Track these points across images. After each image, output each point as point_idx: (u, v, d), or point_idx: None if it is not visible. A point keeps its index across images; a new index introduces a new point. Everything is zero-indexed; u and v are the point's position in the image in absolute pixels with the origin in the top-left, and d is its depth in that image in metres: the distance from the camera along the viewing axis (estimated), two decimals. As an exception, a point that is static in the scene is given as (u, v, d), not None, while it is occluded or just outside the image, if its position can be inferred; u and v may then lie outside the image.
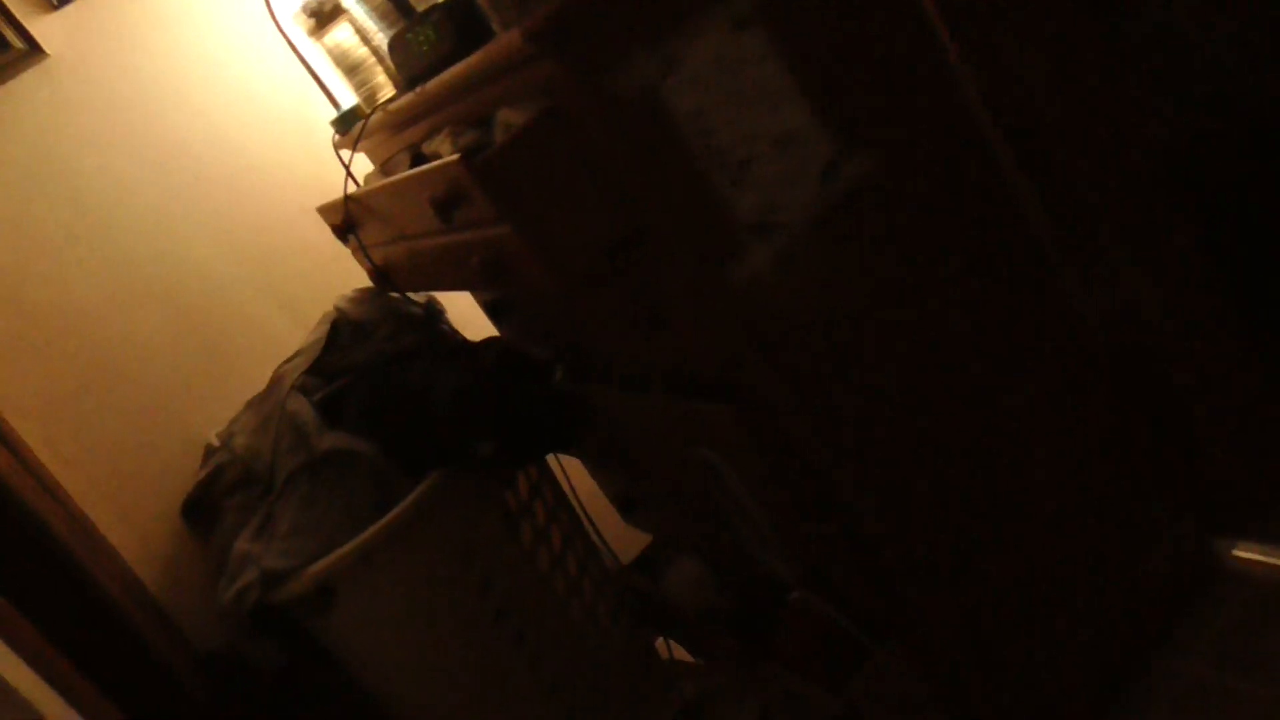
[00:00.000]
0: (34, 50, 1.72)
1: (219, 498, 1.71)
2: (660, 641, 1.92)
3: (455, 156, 1.10)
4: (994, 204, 1.27)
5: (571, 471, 1.82)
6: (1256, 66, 1.52)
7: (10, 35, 1.71)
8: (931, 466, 1.25)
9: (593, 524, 1.77)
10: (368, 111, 1.55)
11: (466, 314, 1.87)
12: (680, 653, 1.93)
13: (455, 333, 1.76)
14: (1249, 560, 1.42)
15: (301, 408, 1.59)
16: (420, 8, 1.45)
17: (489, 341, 1.67)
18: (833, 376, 1.19)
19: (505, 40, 1.11)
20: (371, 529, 1.50)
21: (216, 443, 1.78)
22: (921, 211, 1.22)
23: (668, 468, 1.51)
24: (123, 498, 1.79)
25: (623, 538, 1.95)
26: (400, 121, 1.49)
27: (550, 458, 1.82)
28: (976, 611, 1.30)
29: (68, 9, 1.75)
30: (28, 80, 1.73)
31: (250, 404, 1.76)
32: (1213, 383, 1.39)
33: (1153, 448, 1.40)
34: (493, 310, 1.78)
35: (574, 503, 1.78)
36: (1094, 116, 1.30)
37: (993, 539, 1.30)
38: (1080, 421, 1.34)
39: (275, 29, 1.68)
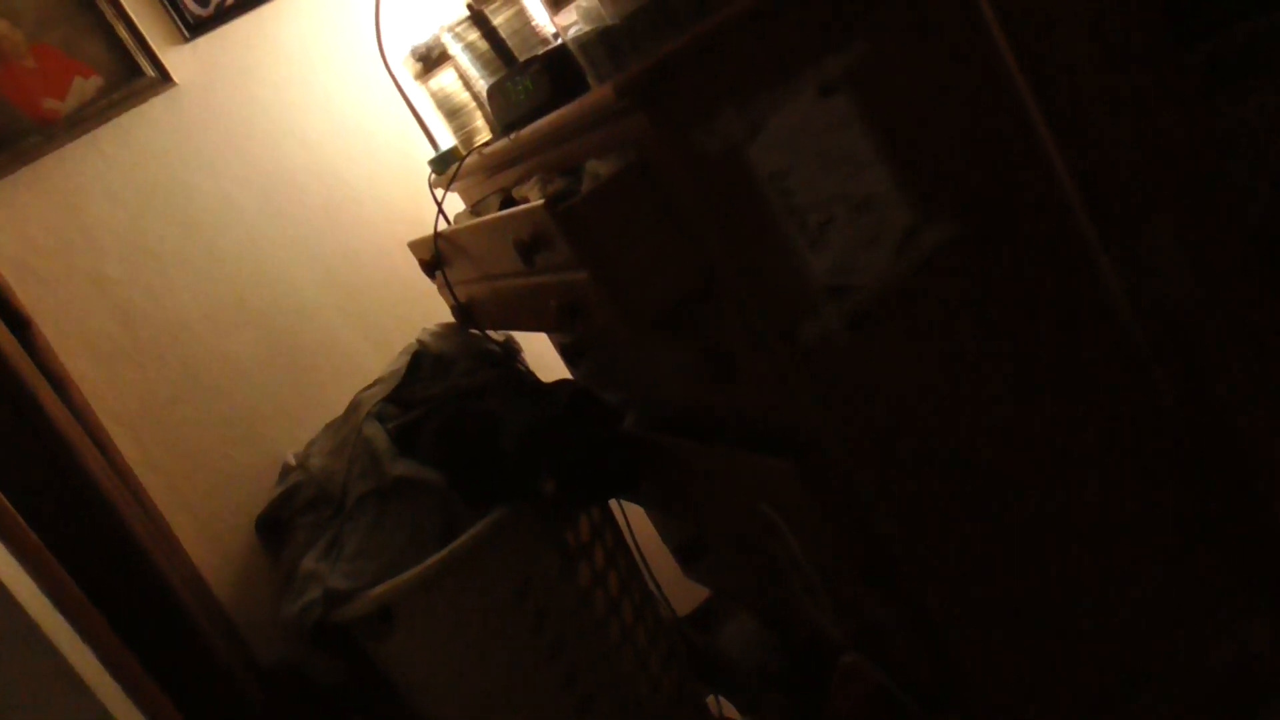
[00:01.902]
0: (164, 79, 1.83)
1: (292, 516, 1.76)
2: (710, 699, 1.91)
3: (540, 202, 1.14)
4: (1078, 282, 1.26)
5: (634, 519, 1.83)
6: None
7: (144, 64, 1.82)
8: (999, 542, 1.23)
9: (651, 572, 1.78)
10: (464, 154, 1.61)
11: (544, 356, 1.91)
12: (730, 711, 1.91)
13: (530, 373, 1.80)
14: (1327, 669, 1.36)
15: (376, 434, 1.64)
16: (522, 59, 1.51)
17: (561, 383, 1.70)
18: (898, 443, 1.19)
19: (598, 94, 1.15)
20: (434, 557, 1.53)
21: (294, 462, 1.83)
22: (1001, 284, 1.22)
23: (729, 521, 1.51)
24: (202, 508, 1.86)
25: (681, 589, 1.95)
26: (494, 165, 1.54)
27: (613, 503, 1.83)
28: (1036, 694, 1.27)
29: (198, 41, 1.86)
30: (157, 106, 1.84)
31: (328, 427, 1.82)
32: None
33: (1232, 542, 1.35)
34: (568, 354, 1.82)
35: (634, 549, 1.79)
36: (1186, 195, 1.29)
37: (1059, 621, 1.27)
38: (1157, 507, 1.31)
39: (385, 70, 1.76)
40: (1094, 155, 1.25)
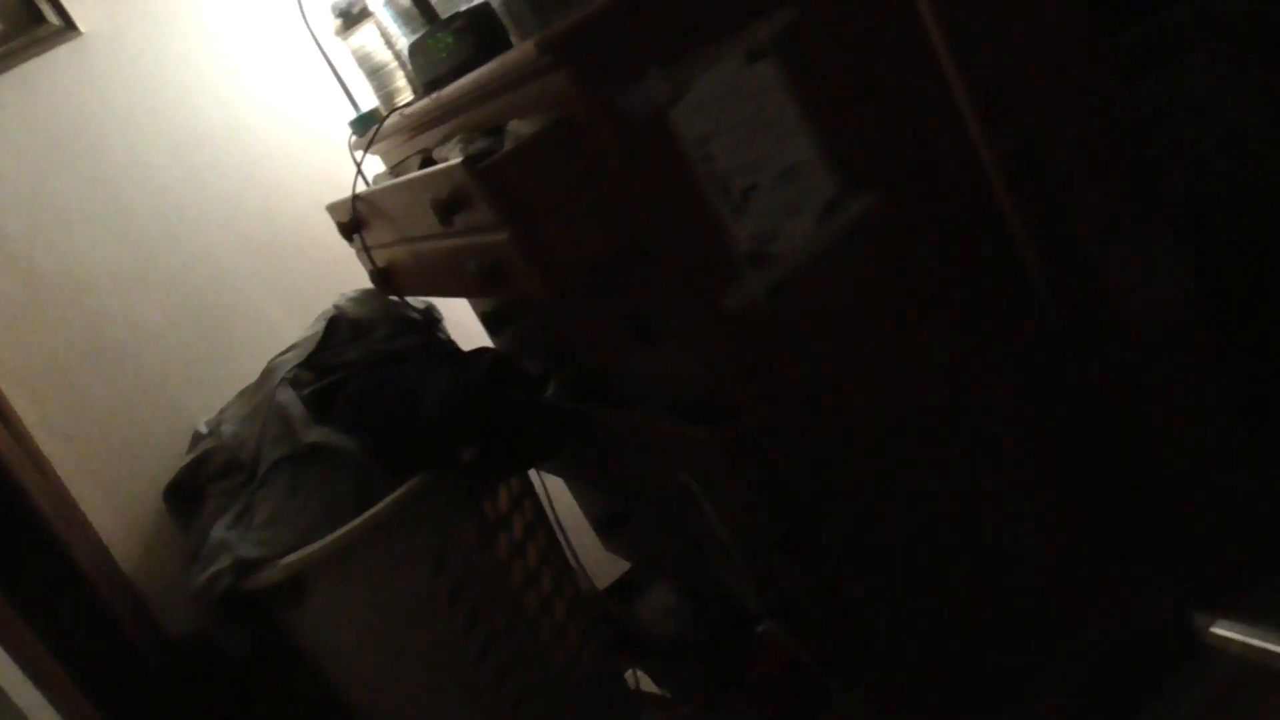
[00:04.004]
0: (69, 27, 1.76)
1: (203, 483, 1.72)
2: (629, 674, 1.91)
3: (459, 160, 1.11)
4: (999, 256, 1.28)
5: (554, 491, 1.81)
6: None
7: (47, 11, 1.74)
8: (912, 510, 1.25)
9: (570, 544, 1.77)
10: (385, 114, 1.57)
11: (465, 325, 1.88)
12: (649, 685, 1.91)
13: (451, 341, 1.77)
14: (1227, 639, 1.40)
15: (290, 400, 1.60)
16: (445, 15, 1.47)
17: (482, 350, 1.68)
18: (817, 413, 1.19)
19: (520, 50, 1.13)
20: (348, 526, 1.50)
21: (205, 429, 1.78)
22: (923, 257, 1.23)
23: (649, 491, 1.51)
24: (107, 474, 1.80)
25: (600, 562, 1.94)
26: (415, 126, 1.51)
27: (533, 475, 1.82)
28: (947, 663, 1.29)
29: (106, -11, 1.78)
30: (60, 55, 1.76)
31: (242, 393, 1.77)
32: (1205, 457, 1.39)
33: (1138, 515, 1.39)
34: (490, 322, 1.79)
35: (553, 521, 1.78)
36: (1105, 175, 1.31)
37: (969, 589, 1.29)
38: (1066, 481, 1.34)
39: (304, 25, 1.71)
40: (1016, 132, 1.26)
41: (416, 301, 1.76)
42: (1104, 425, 1.35)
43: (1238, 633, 1.40)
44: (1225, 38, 1.58)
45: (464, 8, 1.33)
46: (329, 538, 1.50)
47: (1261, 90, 1.60)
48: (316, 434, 1.56)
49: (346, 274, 1.87)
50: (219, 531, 1.60)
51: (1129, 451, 1.37)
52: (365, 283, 1.78)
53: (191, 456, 1.75)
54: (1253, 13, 1.63)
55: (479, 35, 1.27)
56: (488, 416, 1.47)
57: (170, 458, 1.80)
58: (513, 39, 1.23)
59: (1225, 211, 1.58)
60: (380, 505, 1.51)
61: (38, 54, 1.74)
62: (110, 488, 1.79)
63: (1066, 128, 1.28)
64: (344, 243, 1.71)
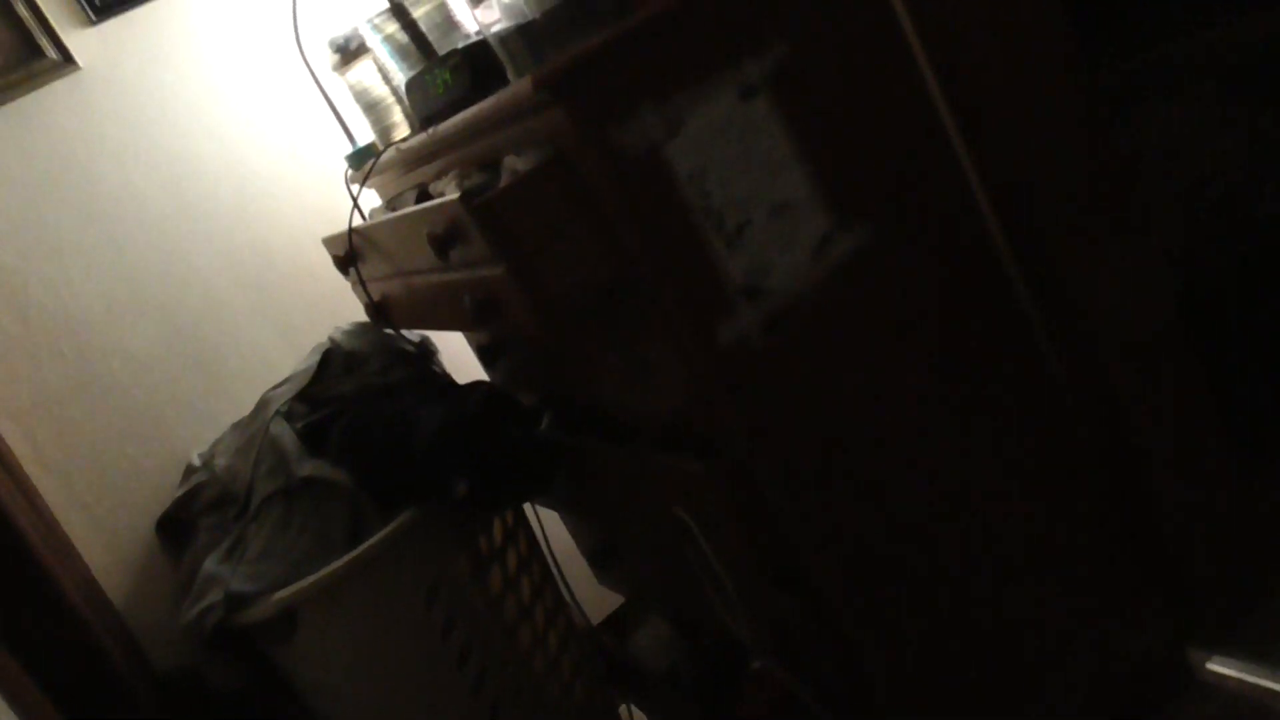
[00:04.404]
0: (67, 61, 1.77)
1: (194, 517, 1.71)
2: (623, 708, 1.89)
3: (456, 195, 1.12)
4: (991, 291, 1.28)
5: (548, 524, 1.81)
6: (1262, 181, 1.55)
7: (46, 46, 1.75)
8: (906, 545, 1.24)
9: (564, 578, 1.76)
10: (381, 148, 1.58)
11: (460, 357, 1.88)
12: (641, 719, 1.90)
13: (445, 373, 1.77)
14: (1223, 675, 1.40)
15: (284, 433, 1.60)
16: (442, 52, 1.48)
17: (477, 384, 1.68)
18: (811, 447, 1.19)
19: (517, 87, 1.14)
20: (340, 560, 1.49)
21: (198, 462, 1.78)
22: (916, 291, 1.24)
23: (643, 524, 1.50)
24: (98, 507, 1.79)
25: (594, 596, 1.93)
26: (411, 161, 1.52)
27: (527, 508, 1.81)
28: (941, 698, 1.28)
29: (105, 24, 1.79)
30: (58, 89, 1.77)
31: (235, 426, 1.77)
32: (1200, 488, 1.39)
33: (1133, 547, 1.39)
34: (485, 355, 1.79)
35: (547, 554, 1.77)
36: (1096, 210, 1.32)
37: (963, 624, 1.29)
38: (1062, 512, 1.34)
39: (301, 60, 1.72)
40: (1007, 168, 1.27)
41: (411, 334, 1.76)
42: (1097, 458, 1.35)
43: (1234, 669, 1.39)
44: (1211, 78, 1.60)
45: (460, 45, 1.34)
46: (321, 572, 1.49)
47: (1247, 129, 1.62)
48: (310, 467, 1.56)
49: (341, 306, 1.87)
50: (210, 565, 1.59)
51: (1123, 484, 1.37)
52: (360, 315, 1.78)
53: (183, 489, 1.74)
54: (1239, 53, 1.65)
55: (475, 72, 1.28)
56: (481, 450, 1.47)
57: (162, 490, 1.80)
58: (509, 75, 1.24)
59: (1213, 246, 1.59)
60: (373, 539, 1.50)
61: (35, 88, 1.75)
62: (101, 521, 1.78)
63: (1057, 162, 1.30)
64: (339, 275, 1.72)
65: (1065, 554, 1.34)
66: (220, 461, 1.72)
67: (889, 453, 1.23)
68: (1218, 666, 1.41)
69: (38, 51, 1.74)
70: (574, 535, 1.89)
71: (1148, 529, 1.38)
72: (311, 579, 1.49)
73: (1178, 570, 1.40)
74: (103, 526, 1.79)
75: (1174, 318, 1.35)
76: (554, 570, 1.77)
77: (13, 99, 1.74)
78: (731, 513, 1.21)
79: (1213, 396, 1.38)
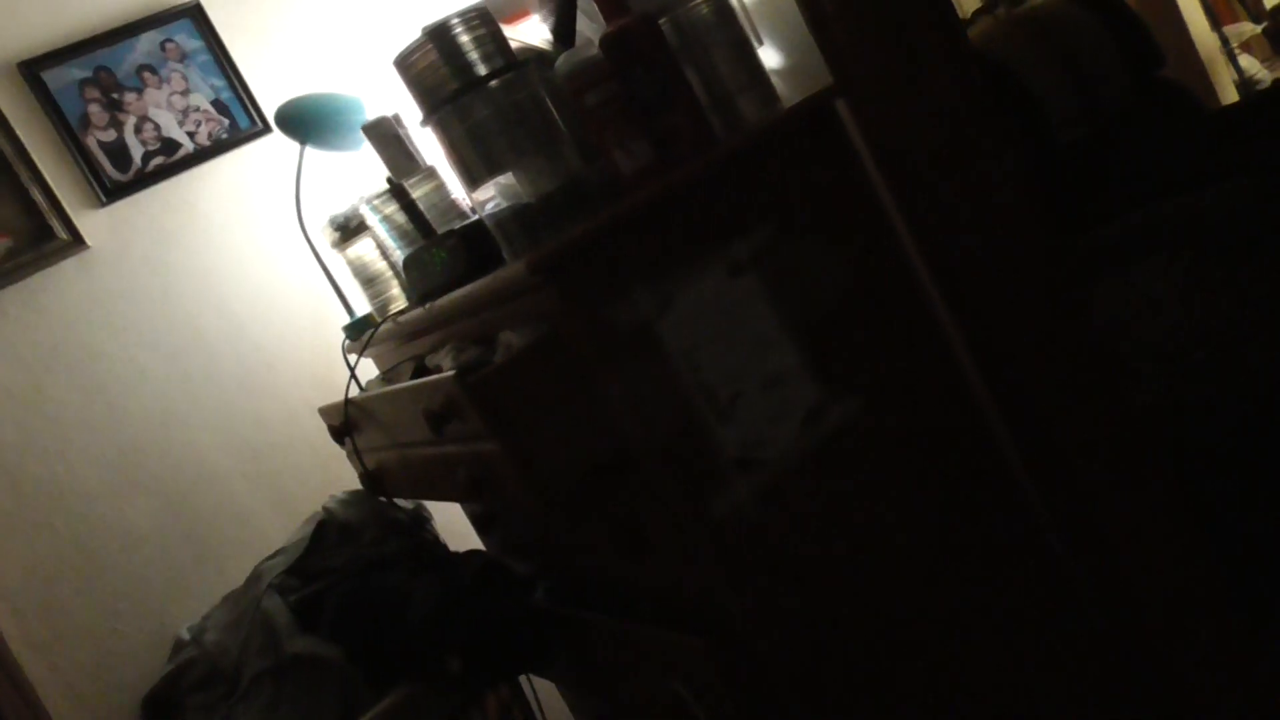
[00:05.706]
0: (77, 242, 1.81)
1: (182, 695, 1.66)
2: None
3: (451, 373, 1.14)
4: (976, 456, 1.29)
5: (544, 695, 1.76)
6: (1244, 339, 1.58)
7: (57, 227, 1.80)
8: (906, 715, 1.21)
9: (562, 753, 1.71)
10: (378, 321, 1.61)
11: (455, 524, 1.87)
12: None
13: (440, 542, 1.76)
14: None
15: (276, 608, 1.57)
16: (440, 231, 1.53)
17: (471, 554, 1.67)
18: (809, 618, 1.18)
19: (513, 268, 1.17)
20: (331, 742, 1.45)
21: (187, 636, 1.74)
22: (907, 461, 1.25)
23: (641, 698, 1.47)
24: (84, 687, 1.74)
25: (593, 770, 1.86)
26: (408, 333, 1.55)
27: (523, 679, 1.77)
28: None
29: (115, 205, 1.85)
30: (68, 268, 1.81)
31: (227, 599, 1.74)
32: (1206, 653, 1.37)
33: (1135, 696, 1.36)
34: (479, 522, 1.79)
35: (544, 729, 1.72)
36: (1077, 376, 1.34)
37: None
38: (1069, 684, 1.31)
39: (303, 238, 1.77)
40: (992, 336, 1.30)
41: (406, 502, 1.76)
42: (1100, 627, 1.33)
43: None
44: (1186, 241, 1.65)
45: (457, 225, 1.39)
46: (311, 755, 1.45)
47: (1228, 288, 1.66)
48: (300, 644, 1.53)
49: (336, 475, 1.87)
50: (196, 748, 1.54)
51: (1129, 651, 1.35)
52: (354, 483, 1.77)
53: (171, 666, 1.70)
54: (1212, 215, 1.71)
55: (472, 251, 1.32)
56: (475, 625, 1.45)
57: (151, 666, 1.75)
58: (505, 255, 1.28)
59: (1201, 406, 1.61)
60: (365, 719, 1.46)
61: (44, 267, 1.79)
62: (86, 700, 1.73)
63: (1037, 328, 1.32)
64: (334, 445, 1.73)
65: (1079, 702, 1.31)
66: (210, 636, 1.68)
67: (886, 623, 1.21)
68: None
69: (49, 233, 1.79)
70: (572, 708, 1.84)
71: (1157, 698, 1.36)
72: (300, 762, 1.44)
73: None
74: (87, 704, 1.74)
75: (1171, 483, 1.35)
76: (551, 745, 1.72)
77: (22, 278, 1.78)
78: (729, 687, 1.18)
79: (1218, 559, 1.37)
